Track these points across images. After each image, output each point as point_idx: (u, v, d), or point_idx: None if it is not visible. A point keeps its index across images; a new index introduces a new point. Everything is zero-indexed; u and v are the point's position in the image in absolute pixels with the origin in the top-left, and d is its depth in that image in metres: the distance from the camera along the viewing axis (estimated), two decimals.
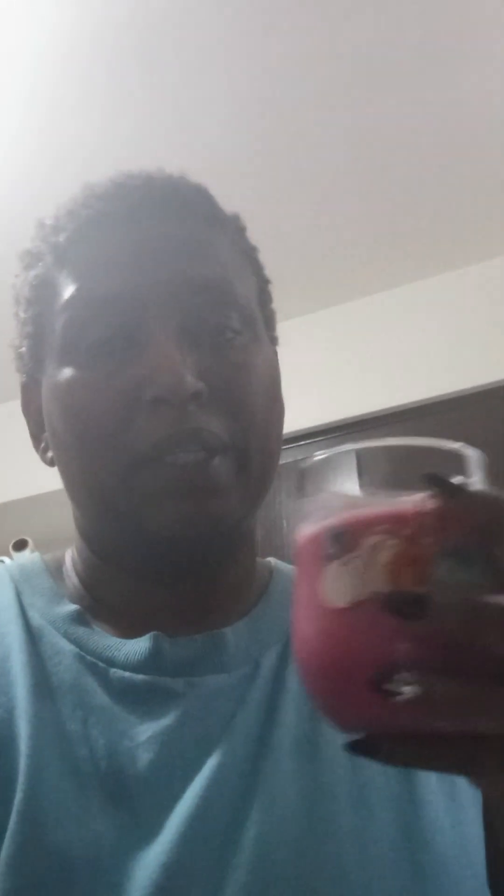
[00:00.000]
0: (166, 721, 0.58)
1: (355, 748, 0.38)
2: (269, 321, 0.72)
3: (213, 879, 0.51)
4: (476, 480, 0.41)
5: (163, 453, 0.58)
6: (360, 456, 0.42)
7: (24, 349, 0.69)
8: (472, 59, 2.06)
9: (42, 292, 0.67)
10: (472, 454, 0.42)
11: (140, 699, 0.59)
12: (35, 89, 2.03)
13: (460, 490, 0.38)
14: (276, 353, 0.71)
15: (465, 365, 2.69)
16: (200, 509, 0.58)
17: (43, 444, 0.70)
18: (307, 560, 0.41)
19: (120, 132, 2.12)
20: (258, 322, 0.67)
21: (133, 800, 0.55)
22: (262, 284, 0.72)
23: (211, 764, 0.56)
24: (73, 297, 0.63)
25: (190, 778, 0.55)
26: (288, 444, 2.80)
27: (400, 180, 2.42)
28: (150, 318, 0.61)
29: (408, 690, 0.34)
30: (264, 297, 0.72)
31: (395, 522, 0.38)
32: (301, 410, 2.66)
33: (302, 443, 2.73)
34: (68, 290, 0.63)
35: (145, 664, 0.61)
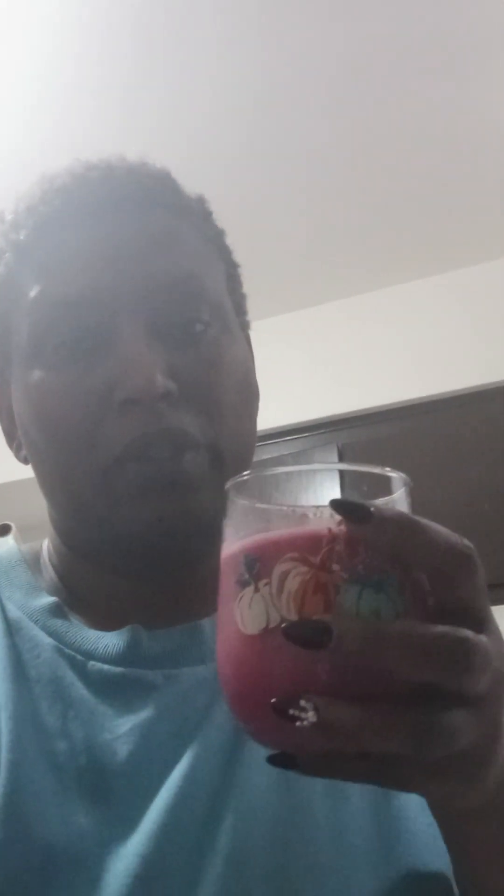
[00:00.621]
0: (145, 714, 0.58)
1: (275, 761, 0.39)
2: (240, 306, 0.71)
3: (190, 870, 0.52)
4: (401, 504, 0.42)
5: (136, 454, 0.58)
6: (281, 479, 0.43)
7: None
8: (471, 59, 2.07)
9: (6, 291, 0.65)
10: (396, 477, 0.42)
11: (118, 692, 0.59)
12: (28, 73, 2.02)
13: (367, 515, 0.37)
14: (247, 339, 0.71)
15: (442, 369, 2.71)
16: (176, 507, 0.58)
17: (16, 443, 0.69)
18: (226, 581, 0.42)
19: (113, 120, 2.11)
20: (228, 312, 0.66)
21: (112, 792, 0.55)
22: (231, 270, 0.71)
23: (189, 756, 0.56)
24: (37, 299, 0.62)
25: (168, 770, 0.55)
26: (269, 440, 2.81)
27: (390, 182, 2.43)
28: (117, 318, 0.60)
29: (309, 716, 0.35)
30: (233, 283, 0.71)
31: (304, 548, 0.39)
32: (282, 407, 2.67)
33: (286, 438, 2.73)
34: (32, 291, 0.62)
35: (123, 657, 0.61)
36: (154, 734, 0.57)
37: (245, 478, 0.43)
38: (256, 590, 0.39)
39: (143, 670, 0.60)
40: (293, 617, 0.38)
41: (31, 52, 1.97)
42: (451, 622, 0.37)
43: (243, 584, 0.40)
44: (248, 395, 0.67)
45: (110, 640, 0.61)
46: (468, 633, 0.37)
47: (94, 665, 0.60)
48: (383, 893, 0.54)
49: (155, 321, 0.60)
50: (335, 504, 0.38)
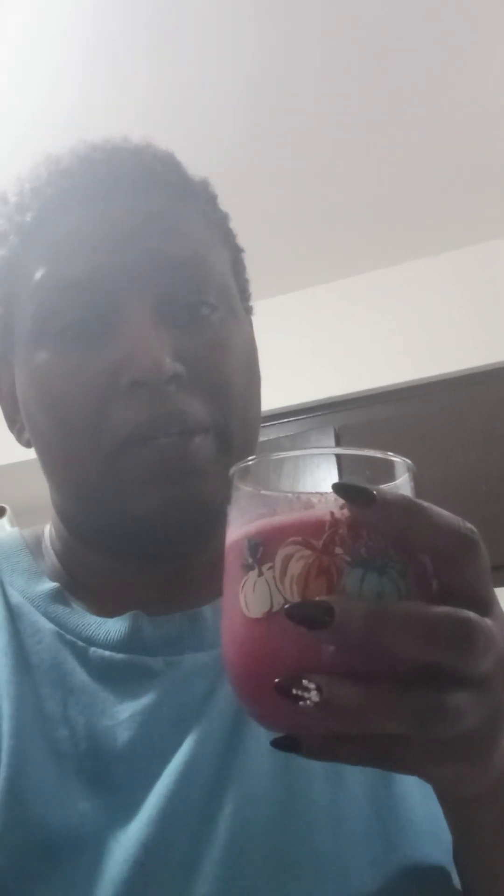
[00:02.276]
0: (145, 700, 0.58)
1: (278, 745, 0.40)
2: (244, 291, 0.71)
3: (190, 855, 0.52)
4: (404, 488, 0.42)
5: (143, 437, 0.58)
6: (285, 463, 0.43)
7: None
8: (467, 39, 2.06)
9: (10, 274, 0.65)
10: (400, 462, 0.42)
11: (119, 678, 0.59)
12: (37, 57, 2.00)
13: (370, 499, 0.38)
14: (251, 325, 0.70)
15: (439, 350, 2.70)
16: (184, 492, 0.58)
17: (18, 426, 0.69)
18: (230, 567, 0.42)
19: (105, 102, 2.10)
20: (233, 296, 0.66)
21: (113, 778, 0.55)
22: (235, 254, 0.70)
23: (189, 742, 0.56)
24: (42, 280, 0.61)
25: (168, 756, 0.56)
26: (266, 422, 2.81)
27: (386, 164, 2.42)
28: (123, 300, 0.59)
29: (312, 696, 0.36)
30: (238, 268, 0.70)
31: (308, 532, 0.39)
32: (279, 390, 2.66)
33: (283, 421, 2.73)
34: (38, 273, 0.62)
35: (124, 643, 0.61)
36: (155, 720, 0.57)
37: (249, 463, 0.43)
38: (260, 574, 0.39)
39: (144, 656, 0.60)
40: (296, 600, 0.38)
41: (23, 34, 1.95)
42: (455, 605, 0.37)
43: (247, 569, 0.40)
44: (254, 380, 0.66)
45: (111, 627, 0.62)
46: (471, 614, 0.37)
47: (95, 651, 0.61)
48: (382, 882, 0.54)
49: (161, 303, 0.60)
50: (338, 487, 0.38)
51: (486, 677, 0.38)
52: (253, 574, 0.40)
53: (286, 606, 0.37)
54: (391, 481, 0.42)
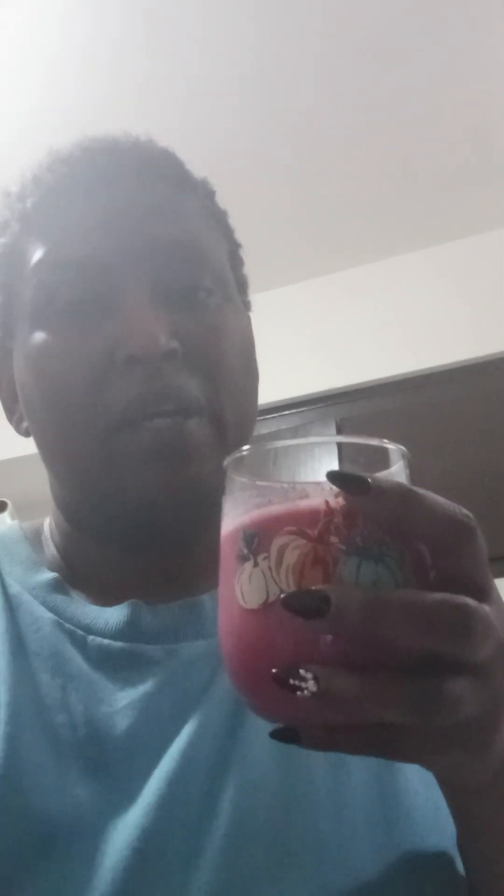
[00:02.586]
0: (145, 688, 0.58)
1: (277, 735, 0.39)
2: (242, 286, 0.71)
3: (190, 843, 0.52)
4: (399, 476, 0.41)
5: (138, 415, 0.58)
6: (279, 453, 0.43)
7: None
8: (465, 28, 2.05)
9: (10, 261, 0.66)
10: (394, 449, 0.42)
11: (118, 666, 0.59)
12: (36, 52, 2.00)
13: (365, 487, 0.37)
14: (249, 319, 0.71)
15: (440, 341, 2.69)
16: (178, 474, 0.58)
17: (17, 416, 0.69)
18: (226, 558, 0.42)
19: (103, 95, 2.09)
20: (230, 283, 0.67)
21: (111, 765, 0.55)
22: (233, 248, 0.71)
23: (188, 729, 0.56)
24: (40, 261, 0.62)
25: (168, 743, 0.56)
26: (267, 414, 2.80)
27: (386, 154, 2.41)
28: (120, 280, 0.60)
29: (309, 686, 0.35)
30: (236, 262, 0.71)
31: (302, 522, 0.39)
32: (280, 382, 2.66)
33: (284, 413, 2.73)
34: (36, 255, 0.63)
35: (124, 632, 0.61)
36: (154, 708, 0.57)
37: (243, 453, 0.43)
38: (255, 564, 0.39)
39: (143, 645, 0.60)
40: (292, 590, 0.38)
41: (22, 29, 1.95)
42: (453, 592, 0.37)
43: (242, 559, 0.40)
44: (250, 368, 0.67)
45: (110, 615, 0.62)
46: (469, 600, 0.37)
47: (94, 640, 0.61)
48: (385, 869, 0.54)
49: (158, 285, 0.61)
50: (332, 476, 0.38)
51: (485, 664, 0.38)
52: (248, 565, 0.39)
53: (282, 596, 0.37)
54: (386, 469, 0.41)
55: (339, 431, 2.66)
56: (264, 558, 0.39)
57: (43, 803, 0.52)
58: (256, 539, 0.40)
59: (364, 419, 2.67)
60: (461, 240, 2.78)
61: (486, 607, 0.38)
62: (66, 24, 1.95)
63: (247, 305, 0.72)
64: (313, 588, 0.37)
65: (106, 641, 0.60)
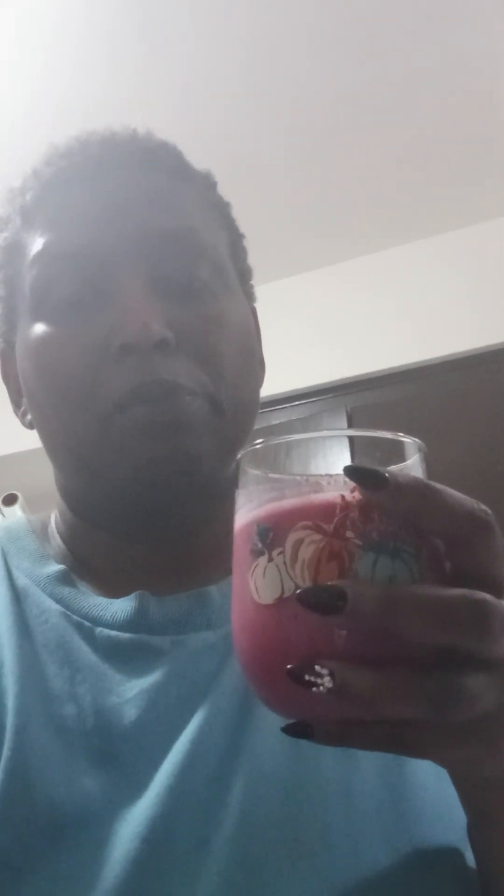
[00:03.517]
0: (153, 678, 0.58)
1: (290, 731, 0.39)
2: (244, 276, 0.71)
3: (199, 833, 0.52)
4: (415, 470, 0.41)
5: (132, 403, 0.58)
6: (293, 447, 0.42)
7: None
8: (474, 20, 2.03)
9: (11, 255, 0.66)
10: (410, 442, 0.42)
11: (126, 657, 0.60)
12: (32, 45, 1.99)
13: (382, 481, 0.37)
14: (251, 309, 0.70)
15: (450, 330, 2.69)
16: (173, 446, 0.59)
17: (22, 409, 0.70)
18: (240, 552, 0.41)
19: (101, 87, 2.08)
20: (229, 273, 0.67)
21: (120, 756, 0.55)
22: (235, 239, 0.71)
23: (197, 720, 0.56)
24: (39, 253, 0.63)
25: (176, 734, 0.56)
26: (277, 405, 2.80)
27: (394, 145, 2.40)
28: (117, 270, 0.61)
29: (325, 682, 0.35)
30: (237, 252, 0.71)
31: (318, 516, 0.38)
32: (290, 372, 2.66)
33: (294, 403, 2.73)
34: (35, 247, 0.63)
35: (131, 623, 0.61)
36: (162, 698, 0.57)
37: (257, 447, 0.42)
38: (270, 559, 0.39)
39: (150, 636, 0.60)
40: (308, 585, 0.37)
41: (19, 23, 1.94)
42: (469, 587, 0.37)
43: (257, 554, 0.40)
44: (249, 357, 0.66)
45: (118, 607, 0.62)
46: (487, 596, 0.37)
47: (101, 631, 0.61)
48: (394, 860, 0.54)
49: (154, 274, 0.61)
50: (349, 471, 0.38)
51: (500, 660, 0.37)
52: (263, 559, 0.39)
53: (297, 592, 0.37)
54: (402, 462, 0.41)
55: (350, 421, 2.66)
56: (279, 553, 0.39)
57: (52, 794, 0.53)
58: (271, 533, 0.39)
59: (374, 409, 2.66)
60: (470, 228, 2.76)
61: (503, 602, 0.37)
62: (62, 15, 1.94)
63: (249, 296, 0.72)
64: (329, 583, 0.36)
65: (114, 633, 0.61)
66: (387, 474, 0.37)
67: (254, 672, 0.41)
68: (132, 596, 0.62)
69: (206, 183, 0.69)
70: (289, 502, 0.40)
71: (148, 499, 0.60)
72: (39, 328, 0.62)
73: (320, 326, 2.82)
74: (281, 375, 2.64)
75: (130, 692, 0.57)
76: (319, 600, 0.36)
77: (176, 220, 0.63)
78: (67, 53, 2.03)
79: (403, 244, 2.83)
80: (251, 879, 0.51)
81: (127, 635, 0.60)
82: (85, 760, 0.55)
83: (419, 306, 2.74)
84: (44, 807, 0.52)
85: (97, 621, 0.61)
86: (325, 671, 0.35)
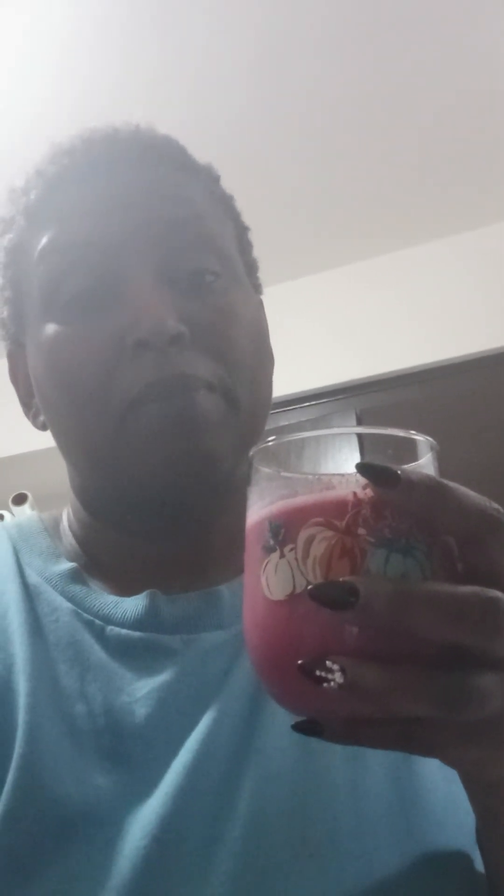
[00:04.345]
0: (163, 677, 0.58)
1: (300, 728, 0.39)
2: (251, 269, 0.71)
3: (208, 832, 0.52)
4: (427, 468, 0.41)
5: (148, 399, 0.58)
6: (305, 444, 0.43)
7: (5, 315, 0.69)
8: (489, 14, 2.02)
9: (17, 255, 0.66)
10: (422, 440, 0.42)
11: (137, 656, 0.60)
12: (45, 44, 2.00)
13: (395, 479, 0.37)
14: (259, 301, 0.70)
15: (461, 331, 2.68)
16: (189, 445, 0.58)
17: (34, 410, 0.70)
18: (251, 549, 0.42)
19: (109, 85, 2.08)
20: (237, 265, 0.67)
21: (130, 754, 0.55)
22: (241, 231, 0.71)
23: (207, 719, 0.56)
24: (45, 249, 0.62)
25: (186, 733, 0.56)
26: (287, 406, 2.80)
27: (407, 145, 2.39)
28: (126, 264, 0.60)
29: (336, 678, 0.35)
30: (244, 245, 0.71)
31: (330, 513, 0.38)
32: (300, 373, 2.65)
33: (304, 405, 2.73)
34: (41, 243, 0.63)
35: (142, 622, 0.61)
36: (172, 697, 0.57)
37: (268, 444, 0.43)
38: (282, 555, 0.39)
39: (161, 635, 0.60)
40: (319, 581, 0.37)
41: (31, 22, 1.95)
42: (482, 585, 0.37)
43: (269, 551, 0.40)
44: (261, 349, 0.66)
45: (129, 605, 0.62)
46: (498, 593, 0.36)
47: (112, 629, 0.61)
48: (403, 862, 0.53)
49: (163, 267, 0.61)
50: (362, 468, 0.38)
51: None
52: (275, 556, 0.39)
53: (309, 588, 0.37)
54: (414, 461, 0.41)
55: (360, 422, 2.66)
56: (291, 549, 0.39)
57: (62, 791, 0.53)
58: (283, 530, 0.39)
59: (384, 410, 2.66)
60: (483, 229, 2.76)
61: None
62: (74, 12, 1.95)
63: (257, 288, 0.71)
64: (341, 579, 0.36)
65: (124, 631, 0.61)
66: (399, 471, 0.37)
67: (265, 668, 0.41)
68: (143, 595, 0.62)
69: (210, 176, 0.69)
70: (301, 499, 0.40)
71: (163, 497, 0.60)
72: (51, 328, 0.62)
73: (331, 327, 2.82)
74: (291, 376, 2.64)
75: (141, 691, 0.57)
76: (331, 596, 0.36)
77: (183, 209, 0.63)
78: (79, 51, 2.03)
79: (414, 245, 2.82)
80: (260, 879, 0.51)
81: (137, 634, 0.60)
82: (95, 759, 0.55)
83: (430, 307, 2.74)
84: (55, 805, 0.52)
85: (108, 620, 0.61)
86: (336, 667, 0.35)
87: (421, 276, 2.79)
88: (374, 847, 0.53)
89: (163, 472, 0.58)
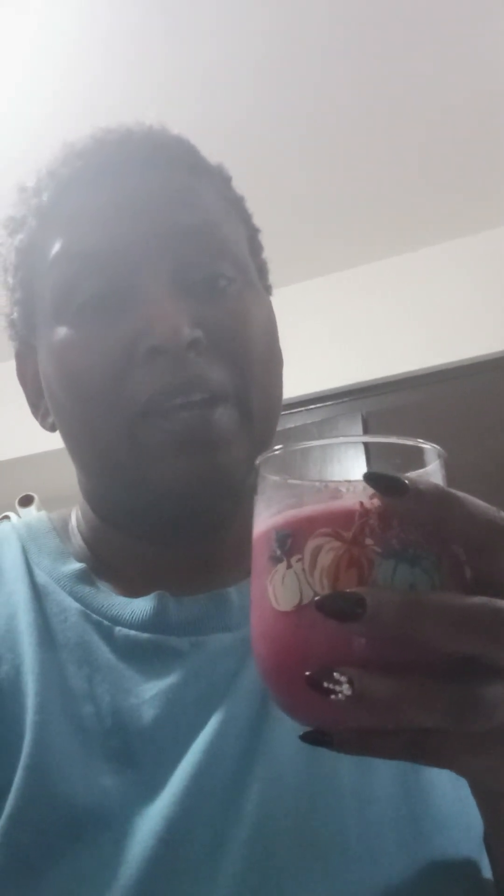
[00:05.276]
0: (171, 679, 0.58)
1: (308, 738, 0.39)
2: (262, 271, 0.71)
3: (215, 833, 0.52)
4: (435, 476, 0.41)
5: (163, 405, 0.58)
6: (311, 452, 0.42)
7: (15, 316, 0.69)
8: (493, 19, 2.02)
9: (28, 256, 0.66)
10: (429, 448, 0.41)
11: (145, 657, 0.60)
12: (55, 44, 2.00)
13: (403, 489, 0.37)
14: (270, 304, 0.70)
15: (468, 335, 2.68)
16: (206, 464, 0.58)
17: (42, 411, 0.70)
18: (258, 559, 0.41)
19: (116, 89, 2.09)
20: (250, 269, 0.66)
21: (138, 756, 0.55)
22: (252, 233, 0.71)
23: (214, 721, 0.56)
24: (59, 254, 0.62)
25: (194, 735, 0.56)
26: (293, 408, 2.80)
27: (411, 149, 2.39)
28: (140, 270, 0.60)
29: (343, 689, 0.35)
30: (255, 247, 0.71)
31: (337, 523, 0.38)
32: (306, 376, 2.65)
33: (310, 407, 2.72)
34: (54, 248, 0.63)
35: (150, 623, 0.61)
36: (180, 699, 0.57)
37: (275, 453, 0.42)
38: (289, 566, 0.39)
39: (169, 636, 0.60)
40: (327, 592, 0.37)
41: (41, 21, 1.95)
42: (491, 595, 0.37)
43: (276, 561, 0.39)
44: (274, 353, 0.66)
45: (137, 606, 0.62)
46: None
47: (120, 630, 0.61)
48: (410, 866, 0.53)
49: (178, 273, 0.60)
50: (369, 477, 0.37)
51: None
52: (282, 566, 0.39)
53: (316, 599, 0.36)
54: (421, 468, 0.41)
55: (365, 425, 2.66)
56: (298, 560, 0.38)
57: (70, 792, 0.53)
58: (290, 540, 0.39)
59: (389, 413, 2.66)
60: (486, 233, 2.76)
61: None
62: (84, 12, 1.95)
63: (267, 290, 0.71)
64: (348, 590, 0.36)
65: (132, 633, 0.61)
66: (407, 481, 0.37)
67: (273, 679, 0.41)
68: (151, 596, 0.62)
69: (222, 177, 0.69)
70: (308, 509, 0.39)
71: (175, 506, 0.60)
72: (63, 332, 0.62)
73: (336, 330, 2.82)
74: (296, 379, 2.63)
75: (148, 692, 0.58)
76: (338, 607, 0.36)
77: (197, 215, 0.62)
78: (89, 53, 2.04)
79: (419, 249, 2.82)
80: (266, 881, 0.51)
81: (145, 635, 0.60)
82: (103, 760, 0.55)
83: (435, 311, 2.74)
84: (63, 805, 0.52)
85: (116, 621, 0.61)
86: (343, 678, 0.35)
87: (426, 279, 2.79)
88: (381, 850, 0.53)
89: (176, 483, 0.58)
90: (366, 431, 2.64)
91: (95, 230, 0.61)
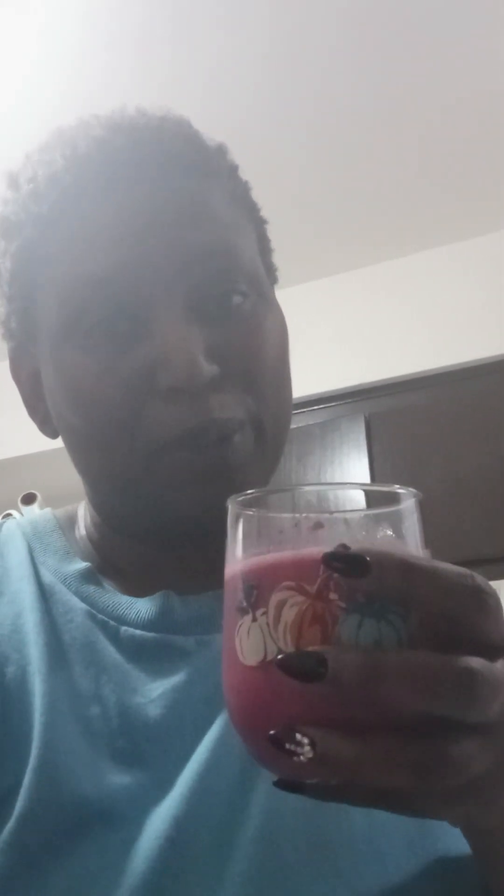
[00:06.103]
0: (177, 678, 0.58)
1: (281, 786, 0.38)
2: (269, 265, 0.69)
3: (222, 834, 0.52)
4: (408, 517, 0.40)
5: (183, 444, 0.58)
6: (287, 499, 0.42)
7: (13, 324, 0.67)
8: (485, 21, 2.02)
9: (29, 265, 0.63)
10: (405, 494, 0.40)
11: (151, 657, 0.60)
12: (62, 38, 2.01)
13: (364, 569, 0.35)
14: (281, 311, 0.68)
15: (471, 337, 2.68)
16: (225, 487, 0.57)
17: (41, 416, 0.68)
18: (228, 605, 0.41)
19: (122, 82, 2.08)
20: (263, 280, 0.65)
21: (144, 756, 0.55)
22: (260, 229, 0.69)
23: (221, 720, 0.56)
24: (65, 275, 0.60)
25: (201, 734, 0.56)
26: (296, 409, 2.80)
27: (417, 151, 2.40)
28: (152, 295, 0.58)
29: (305, 751, 0.35)
30: (264, 243, 0.69)
31: (302, 577, 0.37)
32: (309, 377, 2.65)
33: (314, 408, 2.73)
34: (60, 267, 0.61)
35: (156, 622, 0.61)
36: (186, 698, 0.57)
37: (248, 496, 0.42)
38: (254, 619, 0.38)
39: (175, 636, 0.61)
40: (290, 649, 0.37)
41: (48, 17, 1.96)
42: (465, 648, 0.36)
43: (242, 612, 0.39)
44: (286, 370, 0.66)
45: (142, 606, 0.62)
46: (475, 662, 0.36)
47: (126, 630, 0.61)
48: (417, 866, 0.53)
49: (191, 296, 0.59)
50: (328, 559, 0.36)
51: (493, 723, 0.36)
52: (248, 619, 0.39)
53: (278, 658, 0.36)
54: (399, 512, 0.40)
55: (368, 427, 2.65)
56: (263, 613, 0.38)
57: (78, 792, 0.53)
58: (255, 592, 0.39)
59: (392, 414, 2.65)
60: (491, 235, 2.76)
61: (496, 665, 0.36)
62: (86, 13, 1.95)
63: (273, 281, 0.70)
64: (309, 650, 0.36)
65: (138, 632, 0.61)
66: (368, 559, 0.36)
67: (240, 731, 0.40)
68: (157, 595, 0.62)
69: (227, 170, 0.66)
70: (273, 557, 0.39)
71: (192, 528, 0.60)
72: (73, 355, 0.60)
73: (340, 331, 2.82)
74: (300, 380, 2.62)
75: (155, 692, 0.58)
76: (299, 668, 0.35)
77: (208, 231, 0.60)
78: (94, 48, 2.04)
79: (423, 251, 2.82)
80: (273, 881, 0.51)
81: (151, 635, 0.60)
82: (110, 760, 0.55)
83: (439, 312, 2.74)
84: (71, 805, 0.52)
85: (122, 620, 0.61)
86: (305, 740, 0.35)
87: (430, 281, 2.78)
88: (387, 849, 0.53)
89: (194, 509, 0.58)
90: (369, 433, 2.64)
91: (103, 252, 0.59)
